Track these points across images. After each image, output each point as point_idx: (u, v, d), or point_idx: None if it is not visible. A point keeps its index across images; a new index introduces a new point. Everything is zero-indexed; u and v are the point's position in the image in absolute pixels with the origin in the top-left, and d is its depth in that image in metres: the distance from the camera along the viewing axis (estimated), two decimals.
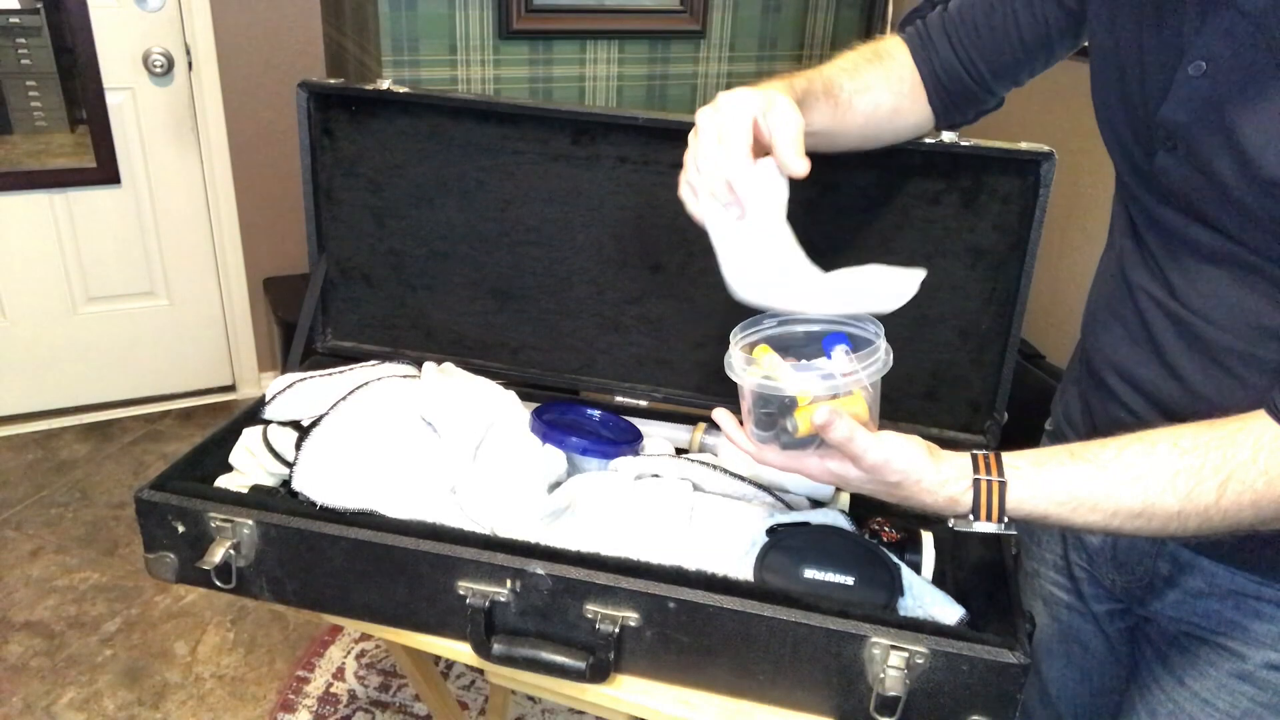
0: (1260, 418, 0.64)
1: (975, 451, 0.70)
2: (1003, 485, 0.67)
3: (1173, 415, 0.75)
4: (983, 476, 0.68)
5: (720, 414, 0.76)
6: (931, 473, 0.69)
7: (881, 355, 0.73)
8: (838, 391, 0.71)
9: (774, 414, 0.73)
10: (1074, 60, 0.82)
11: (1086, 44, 0.82)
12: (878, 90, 0.89)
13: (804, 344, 0.78)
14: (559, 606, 0.80)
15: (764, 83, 0.80)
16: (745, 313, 0.79)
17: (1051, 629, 0.96)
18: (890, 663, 0.74)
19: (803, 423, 0.70)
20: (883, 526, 0.91)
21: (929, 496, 0.69)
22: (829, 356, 0.74)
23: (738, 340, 0.78)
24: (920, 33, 0.91)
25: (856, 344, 0.76)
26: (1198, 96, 0.67)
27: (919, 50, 0.90)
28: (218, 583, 0.87)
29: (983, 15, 0.87)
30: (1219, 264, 0.70)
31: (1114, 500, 0.65)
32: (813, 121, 0.80)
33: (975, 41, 0.87)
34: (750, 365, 0.75)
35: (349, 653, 1.93)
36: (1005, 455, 0.69)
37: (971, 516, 0.68)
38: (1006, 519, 0.68)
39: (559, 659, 0.79)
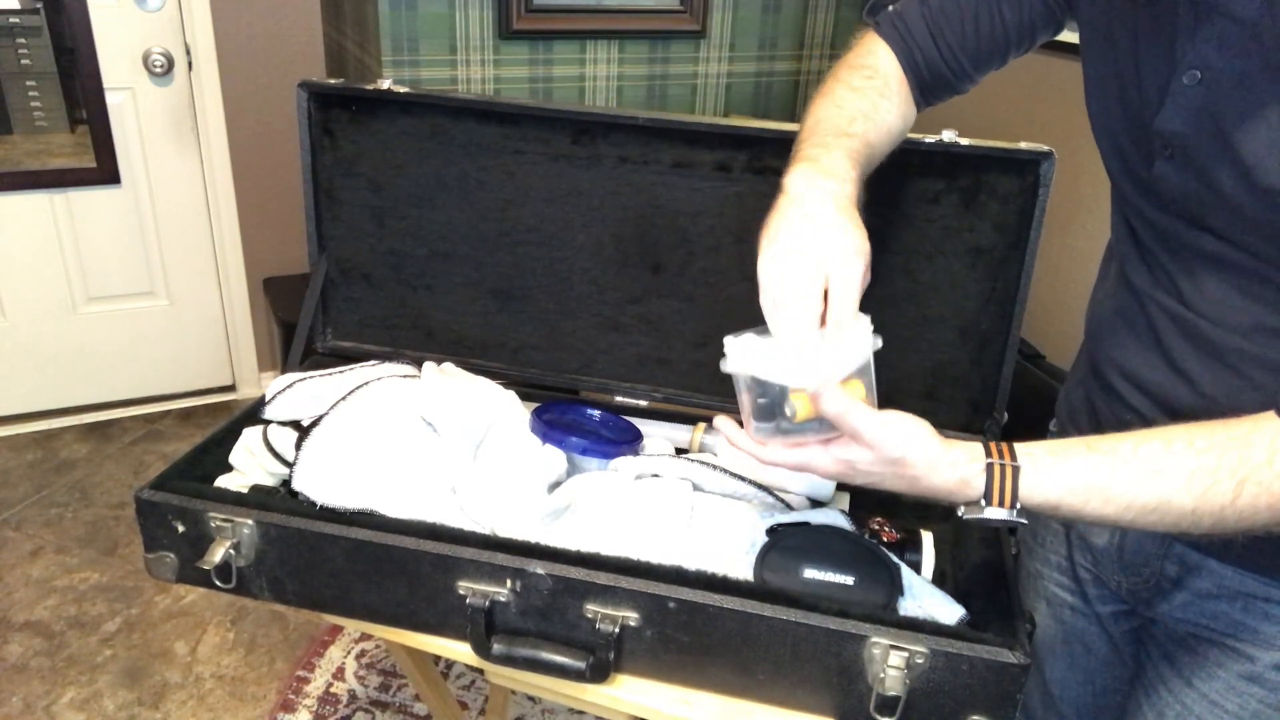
0: (1271, 419, 0.63)
1: (987, 439, 0.68)
2: (1016, 470, 0.65)
3: (1181, 418, 0.74)
4: (996, 460, 0.66)
5: (721, 420, 0.75)
6: (941, 453, 0.67)
7: (869, 336, 0.71)
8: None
9: (770, 402, 0.72)
10: (1073, 60, 0.82)
11: (1079, 46, 0.82)
12: (893, 122, 0.88)
13: None
14: (559, 606, 0.80)
15: (830, 161, 0.76)
16: (746, 313, 0.79)
17: (1055, 630, 0.96)
18: (890, 662, 0.74)
19: (800, 406, 0.69)
20: (883, 526, 0.91)
21: (938, 477, 0.67)
22: None
23: (731, 337, 0.77)
24: (899, 28, 0.89)
25: None
26: (1193, 105, 0.67)
27: (901, 47, 0.89)
28: (218, 583, 0.87)
29: (969, 14, 0.86)
30: (1223, 268, 0.70)
31: (1129, 494, 0.64)
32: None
33: (959, 39, 0.87)
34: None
35: (349, 653, 1.93)
36: (1018, 444, 0.68)
37: (984, 501, 0.66)
38: (1019, 506, 0.66)
39: (559, 659, 0.79)
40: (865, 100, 0.85)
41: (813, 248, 0.71)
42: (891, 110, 0.87)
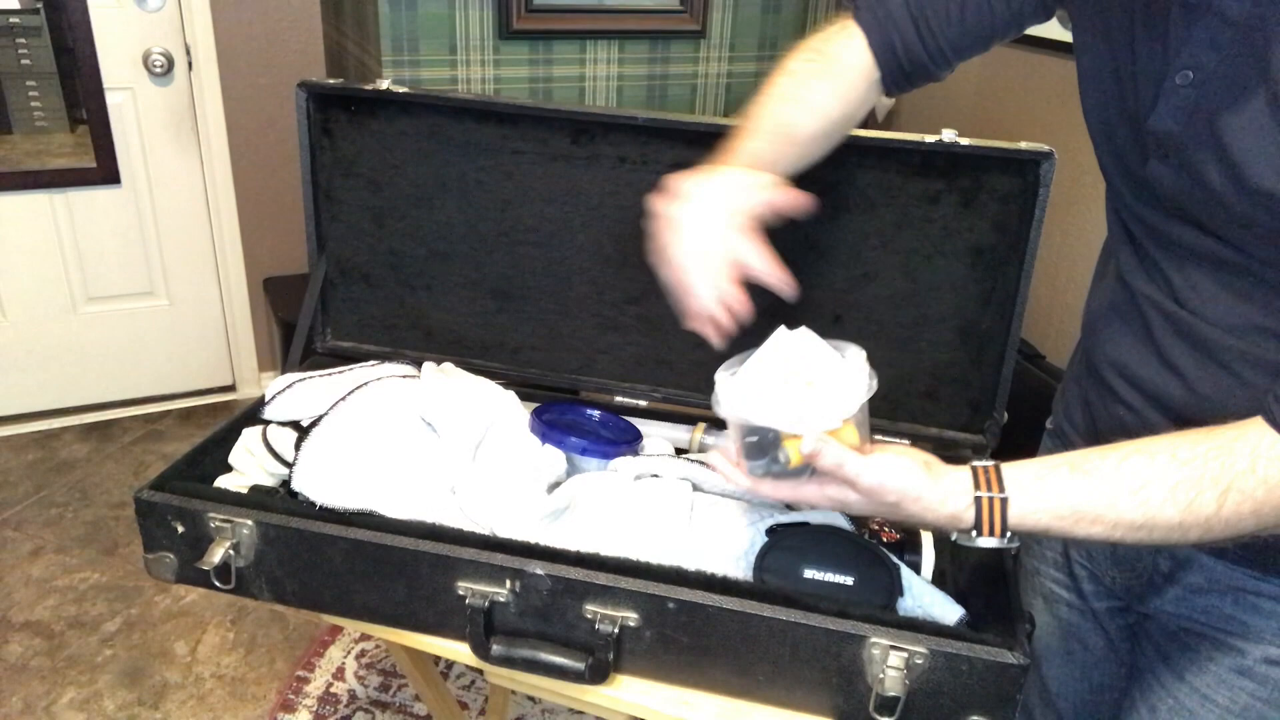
0: (1257, 424, 0.64)
1: (975, 464, 0.70)
2: (1004, 501, 0.67)
3: (1173, 414, 0.75)
4: (984, 493, 0.68)
5: (714, 455, 0.77)
6: (930, 490, 0.69)
7: (865, 381, 0.72)
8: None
9: (762, 442, 0.72)
10: (1073, 59, 0.81)
11: (1073, 47, 0.82)
12: (830, 108, 0.86)
13: None
14: (558, 607, 0.80)
15: (727, 156, 0.82)
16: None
17: (1051, 627, 0.97)
18: (890, 663, 0.74)
19: (794, 453, 0.70)
20: (882, 526, 0.91)
21: (930, 514, 0.70)
22: None
23: (723, 373, 0.77)
24: (879, 13, 0.86)
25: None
26: (1185, 105, 0.67)
27: (878, 35, 0.86)
28: (217, 583, 0.87)
29: (955, 3, 0.84)
30: (1215, 266, 0.70)
31: (1115, 513, 0.66)
32: (779, 169, 0.84)
33: (943, 27, 0.85)
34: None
35: (349, 653, 1.93)
36: (1005, 468, 0.69)
37: (974, 533, 0.69)
38: (1009, 534, 0.68)
39: (558, 660, 0.79)
40: (797, 84, 0.86)
41: (707, 206, 0.78)
42: (827, 96, 0.86)
